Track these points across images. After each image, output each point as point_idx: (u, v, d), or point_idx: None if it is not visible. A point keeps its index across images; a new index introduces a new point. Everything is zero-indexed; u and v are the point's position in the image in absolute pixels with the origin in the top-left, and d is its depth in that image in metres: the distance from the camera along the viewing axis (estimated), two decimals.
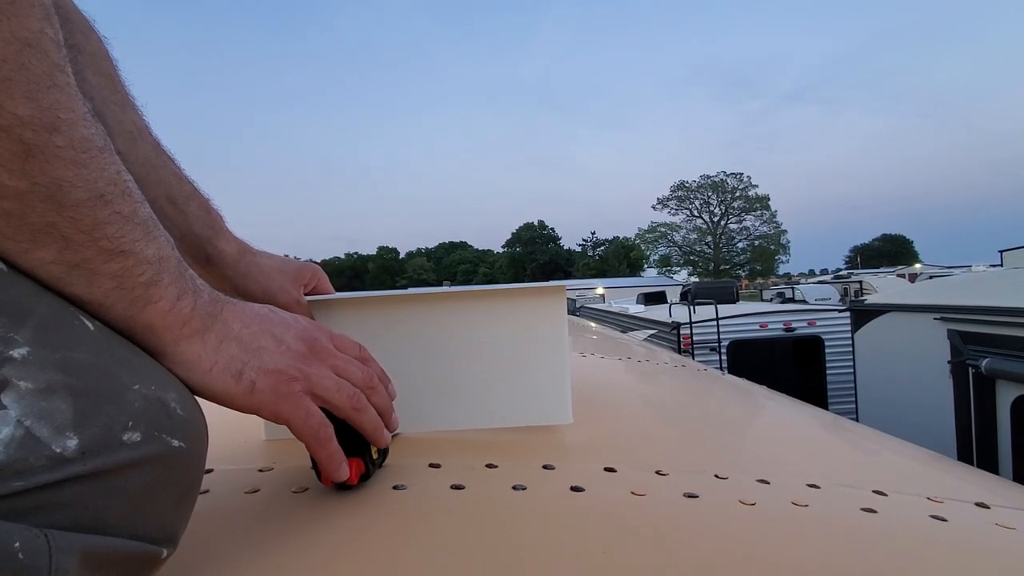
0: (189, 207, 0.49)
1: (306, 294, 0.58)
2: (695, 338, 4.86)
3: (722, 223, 47.40)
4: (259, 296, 0.55)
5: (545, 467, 0.49)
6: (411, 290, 0.60)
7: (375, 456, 0.45)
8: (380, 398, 0.43)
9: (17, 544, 0.20)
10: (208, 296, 0.34)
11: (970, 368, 2.85)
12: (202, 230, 0.50)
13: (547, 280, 0.84)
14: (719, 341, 4.79)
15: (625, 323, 6.81)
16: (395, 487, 0.44)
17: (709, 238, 47.79)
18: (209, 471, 0.47)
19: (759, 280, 42.70)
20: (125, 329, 0.29)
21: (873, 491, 0.48)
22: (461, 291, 0.59)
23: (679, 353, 4.29)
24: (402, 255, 67.81)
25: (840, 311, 5.14)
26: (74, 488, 0.22)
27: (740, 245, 47.37)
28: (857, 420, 3.36)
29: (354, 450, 0.42)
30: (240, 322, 0.36)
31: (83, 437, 0.23)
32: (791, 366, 5.04)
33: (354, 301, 0.59)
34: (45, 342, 0.23)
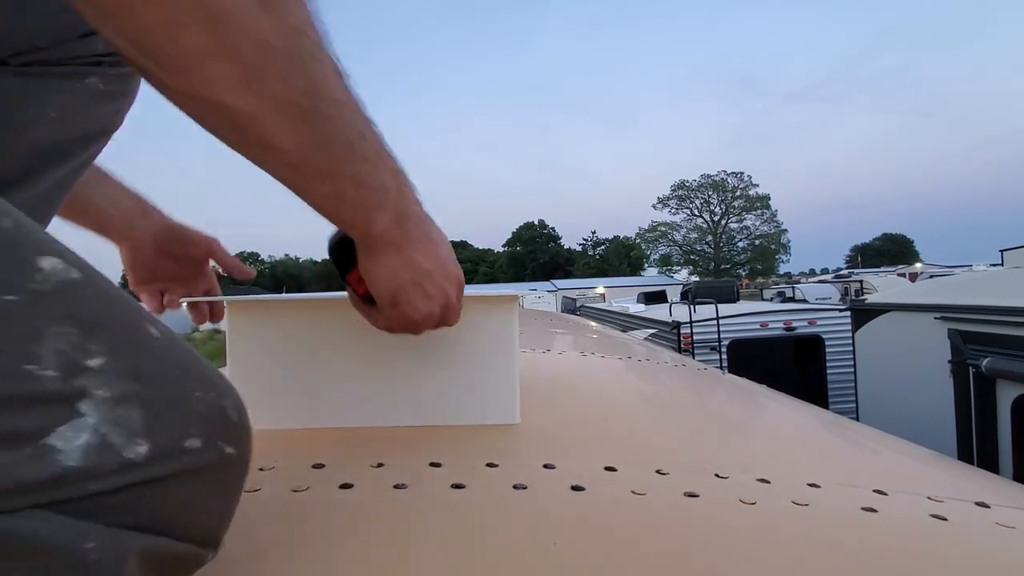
0: None
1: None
2: (695, 337, 4.86)
3: (722, 222, 47.36)
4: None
5: (546, 466, 0.49)
6: None
7: None
8: None
9: (91, 544, 0.21)
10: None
11: (970, 367, 2.85)
12: None
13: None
14: (719, 340, 4.79)
15: (625, 322, 6.80)
16: (396, 487, 0.44)
17: (709, 237, 47.75)
18: None
19: (759, 279, 42.69)
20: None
21: (873, 490, 0.48)
22: None
23: (679, 352, 4.28)
24: None
25: (840, 310, 5.14)
26: (139, 491, 0.23)
27: (740, 244, 47.32)
28: (857, 419, 3.36)
29: None
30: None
31: (152, 443, 0.23)
32: (791, 365, 5.04)
33: (320, 302, 0.62)
34: (118, 352, 0.24)
